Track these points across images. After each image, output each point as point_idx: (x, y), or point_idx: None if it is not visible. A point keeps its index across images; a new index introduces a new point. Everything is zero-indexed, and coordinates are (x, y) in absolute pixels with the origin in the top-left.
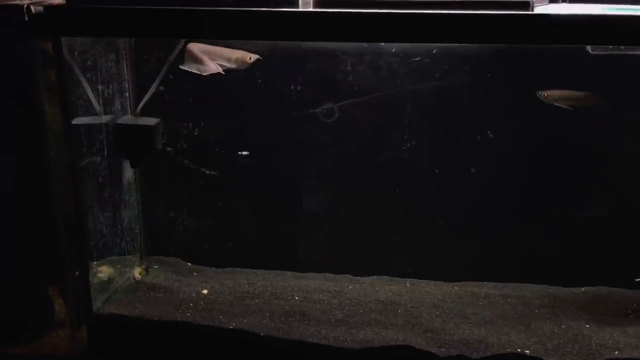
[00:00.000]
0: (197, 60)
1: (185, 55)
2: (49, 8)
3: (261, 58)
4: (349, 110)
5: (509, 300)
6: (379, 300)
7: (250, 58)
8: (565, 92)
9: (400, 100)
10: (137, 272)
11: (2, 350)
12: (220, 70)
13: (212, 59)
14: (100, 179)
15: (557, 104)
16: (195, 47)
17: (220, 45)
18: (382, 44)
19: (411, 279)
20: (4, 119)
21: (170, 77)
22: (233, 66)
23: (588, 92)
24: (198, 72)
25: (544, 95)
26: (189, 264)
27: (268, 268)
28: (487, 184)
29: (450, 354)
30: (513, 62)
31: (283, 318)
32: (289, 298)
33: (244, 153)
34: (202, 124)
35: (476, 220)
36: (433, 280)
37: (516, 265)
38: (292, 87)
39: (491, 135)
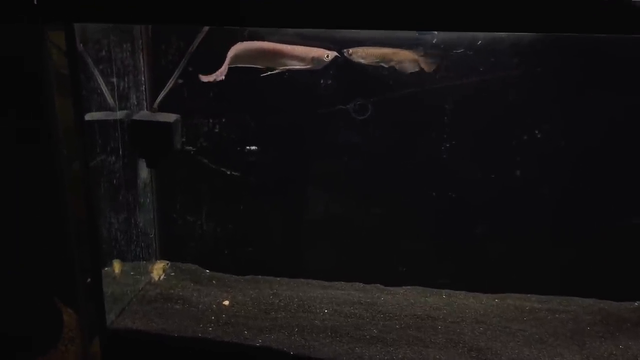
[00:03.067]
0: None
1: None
2: None
3: (339, 55)
4: (383, 106)
5: (556, 315)
6: (416, 315)
7: (327, 56)
8: (371, 50)
9: (439, 97)
10: (156, 272)
11: None
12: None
13: (283, 59)
14: (114, 180)
15: (364, 62)
16: (255, 45)
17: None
18: (422, 34)
19: (447, 291)
20: (12, 115)
21: (190, 69)
22: (308, 66)
23: (401, 50)
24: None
25: (349, 53)
26: (208, 271)
27: (292, 276)
28: (533, 188)
29: None
30: (568, 54)
31: (313, 334)
32: (318, 311)
33: (252, 148)
34: (223, 120)
35: (519, 227)
36: (471, 292)
37: (561, 277)
38: (322, 81)
39: (539, 136)
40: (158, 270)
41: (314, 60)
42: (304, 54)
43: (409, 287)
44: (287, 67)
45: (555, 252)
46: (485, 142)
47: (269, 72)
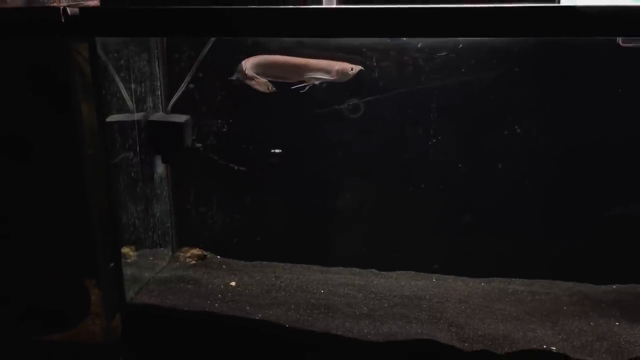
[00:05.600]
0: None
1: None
2: (85, 10)
3: (363, 69)
4: (374, 106)
5: (536, 297)
6: (404, 295)
7: (352, 69)
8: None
9: (425, 96)
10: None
11: (43, 337)
12: (267, 89)
13: (307, 72)
14: (133, 174)
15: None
16: (278, 59)
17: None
18: (407, 39)
19: (437, 275)
20: (42, 118)
21: (200, 75)
22: (333, 78)
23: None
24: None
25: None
26: (218, 257)
27: (295, 262)
28: (515, 179)
29: (475, 349)
30: (542, 56)
31: (308, 310)
32: (315, 291)
33: (277, 151)
34: (230, 121)
35: (504, 217)
36: (460, 277)
37: (545, 262)
38: (319, 84)
39: (519, 131)
40: (192, 255)
41: (338, 73)
42: (328, 67)
43: (401, 271)
44: (312, 81)
45: (542, 240)
46: (470, 137)
47: (300, 85)
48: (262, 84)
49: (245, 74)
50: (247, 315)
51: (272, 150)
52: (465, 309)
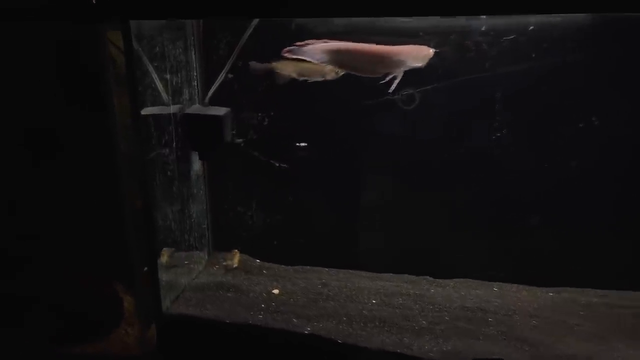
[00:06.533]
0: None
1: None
2: None
3: (438, 50)
4: (431, 96)
5: (615, 310)
6: (466, 307)
7: (431, 52)
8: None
9: (490, 85)
10: (236, 260)
11: (72, 348)
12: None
13: (389, 60)
14: (168, 172)
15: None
16: (357, 46)
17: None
18: (470, 22)
19: (499, 284)
20: (73, 112)
21: (240, 64)
22: (419, 65)
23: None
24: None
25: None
26: (258, 260)
27: (341, 267)
28: (590, 178)
29: None
30: (626, 37)
31: (361, 324)
32: (366, 301)
33: (302, 144)
34: (272, 114)
35: (574, 220)
36: (524, 285)
37: (620, 270)
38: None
39: (596, 123)
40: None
41: (424, 59)
42: (413, 53)
43: (458, 279)
44: (396, 71)
45: (614, 245)
46: (539, 131)
47: (389, 78)
48: (320, 72)
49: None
50: (294, 328)
51: (298, 144)
52: (538, 324)
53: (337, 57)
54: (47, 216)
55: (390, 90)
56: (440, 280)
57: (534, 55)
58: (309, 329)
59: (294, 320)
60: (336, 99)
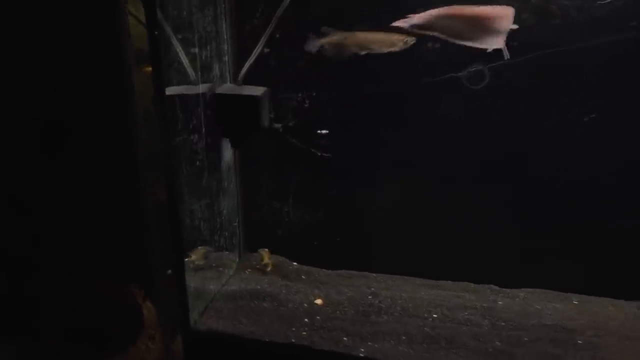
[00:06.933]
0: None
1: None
2: None
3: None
4: (504, 73)
5: None
6: (545, 324)
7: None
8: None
9: (577, 59)
10: (266, 257)
11: None
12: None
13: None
14: (197, 162)
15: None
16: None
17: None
18: None
19: (578, 295)
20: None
21: (277, 36)
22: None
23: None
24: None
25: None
26: (295, 263)
27: (390, 272)
28: None
29: None
30: None
31: (424, 344)
32: (426, 315)
33: (323, 132)
34: (314, 94)
35: None
36: (608, 298)
37: None
38: (430, 45)
39: None
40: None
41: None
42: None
43: (529, 289)
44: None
45: None
46: (634, 115)
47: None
48: (389, 42)
49: None
50: (346, 349)
51: (319, 132)
52: (636, 348)
53: (447, 23)
54: (56, 211)
55: (506, 58)
56: (508, 290)
57: (634, 24)
58: (362, 350)
59: (344, 338)
60: (390, 77)
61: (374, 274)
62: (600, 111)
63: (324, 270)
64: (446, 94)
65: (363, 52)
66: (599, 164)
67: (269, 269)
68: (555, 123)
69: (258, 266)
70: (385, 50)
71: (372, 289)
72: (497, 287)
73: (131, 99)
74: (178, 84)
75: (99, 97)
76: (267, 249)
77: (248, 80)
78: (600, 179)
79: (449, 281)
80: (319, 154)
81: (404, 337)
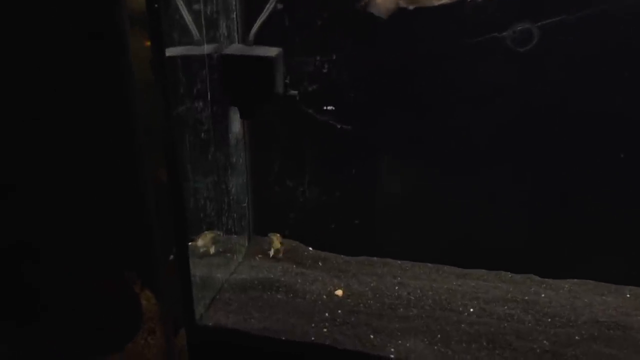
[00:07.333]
0: None
1: None
2: None
3: None
4: (555, 33)
5: None
6: (598, 321)
7: None
8: None
9: None
10: (277, 242)
11: None
12: None
13: None
14: (202, 134)
15: None
16: None
17: None
18: None
19: (632, 288)
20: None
21: None
22: None
23: None
24: None
25: None
26: (311, 248)
27: (416, 258)
28: None
29: None
30: None
31: (463, 344)
32: (461, 309)
33: (329, 108)
34: (334, 57)
35: None
36: None
37: None
38: None
39: None
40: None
41: None
42: None
43: (575, 280)
44: None
45: None
46: None
47: None
48: None
49: None
50: (373, 349)
51: (326, 108)
52: None
53: None
54: (46, 191)
55: None
56: (551, 281)
57: None
58: (393, 350)
59: (371, 336)
60: (422, 39)
61: (398, 261)
62: None
63: (342, 256)
64: (488, 57)
65: (412, 7)
66: None
67: (280, 255)
68: (610, 92)
69: (269, 252)
70: (437, 2)
71: (398, 278)
72: (538, 277)
73: (126, 63)
74: (180, 45)
75: (90, 61)
76: (278, 234)
77: (259, 41)
78: None
79: (483, 270)
80: (339, 126)
81: (439, 336)
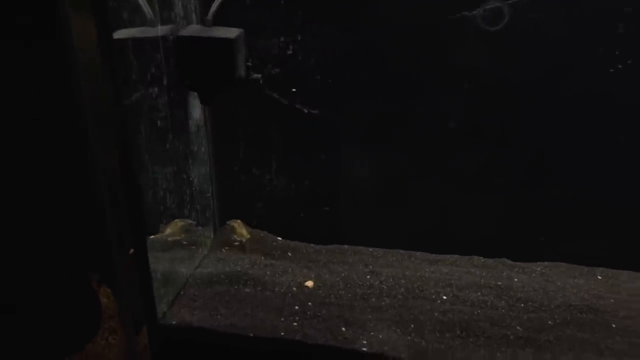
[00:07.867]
0: None
1: None
2: None
3: None
4: (525, 11)
5: None
6: (571, 305)
7: None
8: None
9: None
10: (239, 228)
11: None
12: None
13: None
14: (159, 122)
15: None
16: None
17: None
18: None
19: (602, 269)
20: (17, 39)
21: None
22: None
23: None
24: None
25: None
26: (280, 238)
27: (388, 246)
28: None
29: None
30: None
31: (436, 333)
32: (434, 297)
33: (293, 90)
34: (299, 38)
35: None
36: (634, 272)
37: None
38: None
39: None
40: (240, 231)
41: None
42: None
43: (547, 263)
44: None
45: None
46: None
47: None
48: None
49: None
50: (345, 343)
51: (294, 90)
52: None
53: None
54: None
55: None
56: (523, 265)
57: None
58: (365, 342)
59: (343, 329)
60: (390, 18)
61: (370, 249)
62: (636, 57)
63: (312, 245)
64: (456, 38)
65: None
66: (634, 117)
67: (244, 240)
68: (583, 71)
69: (235, 242)
70: None
71: (370, 266)
72: (510, 261)
73: (69, 45)
74: (130, 26)
75: (30, 48)
76: (239, 220)
77: (219, 21)
78: (631, 136)
79: (456, 255)
80: (306, 111)
81: (412, 326)
